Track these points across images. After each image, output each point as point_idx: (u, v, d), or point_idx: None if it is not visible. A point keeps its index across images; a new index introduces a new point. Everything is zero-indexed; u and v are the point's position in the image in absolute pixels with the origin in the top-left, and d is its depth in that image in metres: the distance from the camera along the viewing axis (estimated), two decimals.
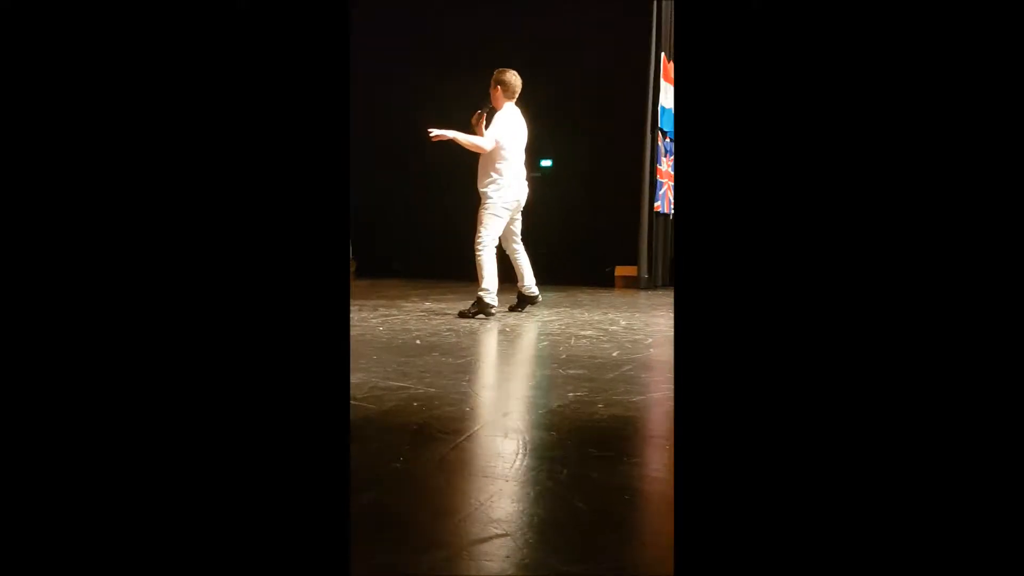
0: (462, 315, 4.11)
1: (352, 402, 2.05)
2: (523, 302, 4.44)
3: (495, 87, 4.26)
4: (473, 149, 4.22)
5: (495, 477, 1.48)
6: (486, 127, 4.19)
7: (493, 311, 4.12)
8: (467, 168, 7.00)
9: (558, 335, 3.53)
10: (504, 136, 4.15)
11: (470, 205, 6.99)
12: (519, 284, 4.43)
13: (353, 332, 3.46)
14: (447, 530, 1.20)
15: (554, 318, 4.16)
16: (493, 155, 4.17)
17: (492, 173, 4.20)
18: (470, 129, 4.22)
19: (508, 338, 3.43)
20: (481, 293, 4.10)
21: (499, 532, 1.17)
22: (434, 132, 4.15)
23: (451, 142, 4.21)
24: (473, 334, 3.49)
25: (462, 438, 1.72)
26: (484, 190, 4.25)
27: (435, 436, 1.74)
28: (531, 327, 3.84)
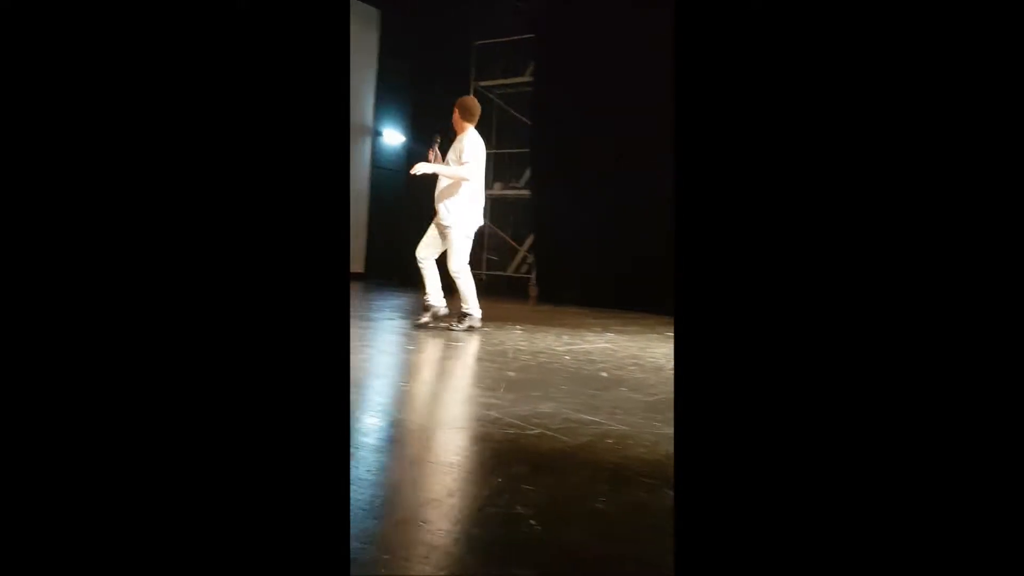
0: (437, 324, 4.47)
1: (547, 432, 2.07)
2: (428, 311, 4.51)
3: (456, 111, 4.48)
4: (457, 179, 4.36)
5: None
6: (443, 154, 4.44)
7: (478, 325, 4.49)
8: (646, 195, 6.89)
9: None
10: (475, 157, 4.37)
11: (654, 234, 6.88)
12: (424, 295, 4.51)
13: (540, 359, 3.52)
14: None
15: None
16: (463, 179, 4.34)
17: (459, 200, 4.38)
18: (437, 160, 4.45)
19: None
20: (466, 312, 4.47)
21: None
22: (418, 170, 4.40)
23: (432, 175, 4.43)
24: (659, 370, 3.41)
25: (661, 484, 1.67)
26: (453, 217, 4.39)
27: (633, 479, 1.71)
28: None
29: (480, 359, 3.40)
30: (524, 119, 9.28)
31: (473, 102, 4.59)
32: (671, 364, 3.64)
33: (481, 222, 4.58)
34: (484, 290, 9.47)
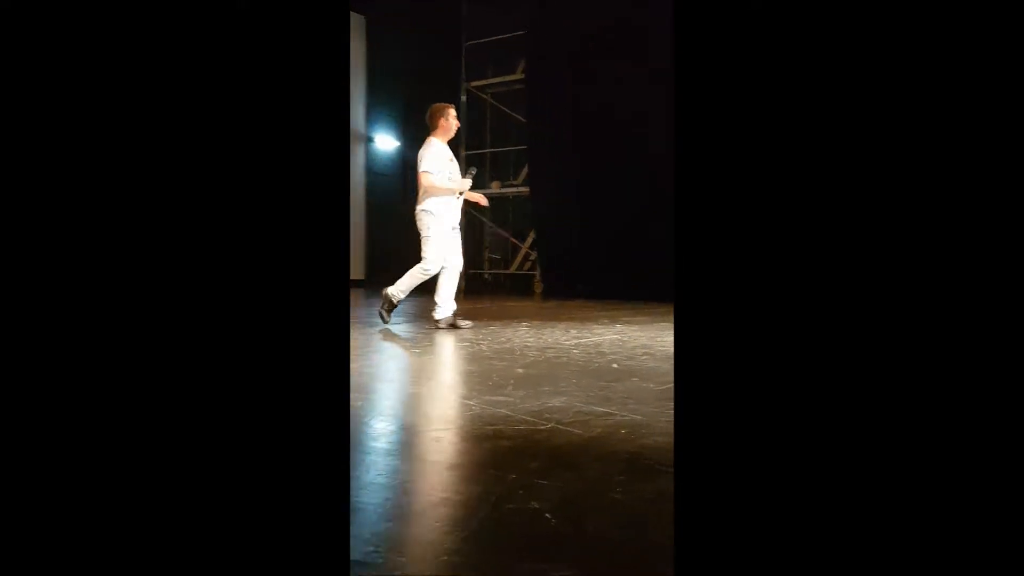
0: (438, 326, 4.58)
1: (559, 427, 2.04)
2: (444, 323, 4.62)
3: None
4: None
5: None
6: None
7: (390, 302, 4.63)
8: (646, 184, 6.88)
9: None
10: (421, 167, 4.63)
11: (657, 222, 6.83)
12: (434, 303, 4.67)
13: (549, 355, 3.49)
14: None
15: None
16: None
17: None
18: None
19: None
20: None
21: None
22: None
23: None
24: (671, 358, 3.38)
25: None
26: None
27: (649, 467, 1.68)
28: None
29: (488, 358, 3.37)
30: (519, 117, 9.24)
31: (432, 109, 4.66)
32: None
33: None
34: (489, 289, 9.44)
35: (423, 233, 4.53)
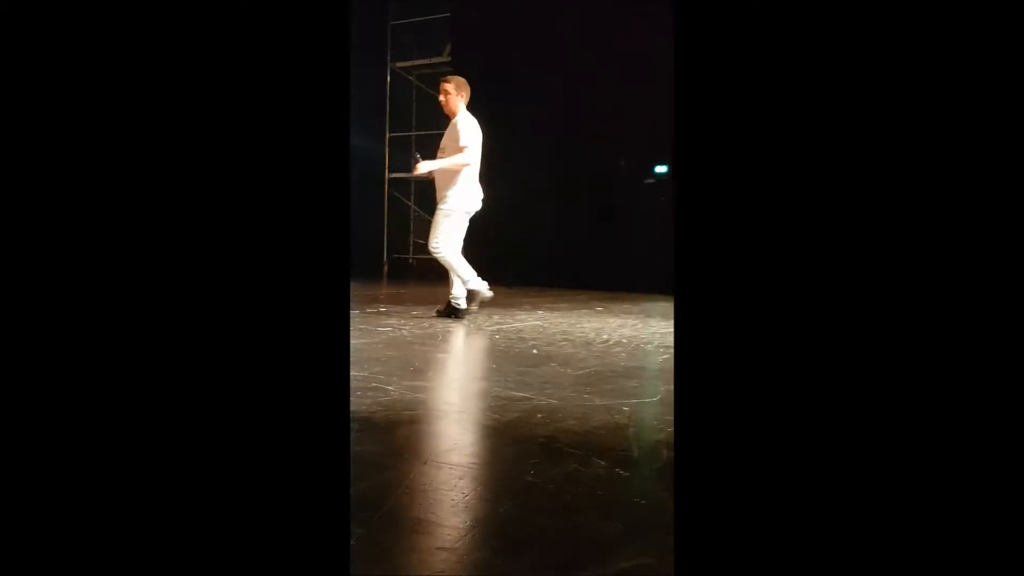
0: (440, 314, 4.32)
1: (477, 411, 2.06)
2: (449, 311, 4.39)
3: (448, 93, 4.37)
4: (458, 168, 4.28)
5: (632, 496, 1.43)
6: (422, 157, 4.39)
7: (486, 296, 4.33)
8: (567, 176, 6.95)
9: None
10: (474, 140, 4.24)
11: (576, 213, 6.91)
12: (449, 291, 4.42)
13: (471, 340, 3.50)
14: (588, 552, 1.17)
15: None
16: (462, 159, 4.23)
17: (456, 178, 4.26)
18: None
19: (627, 350, 3.37)
20: (466, 287, 4.30)
21: (646, 561, 1.13)
22: (419, 171, 4.35)
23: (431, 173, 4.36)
24: (589, 344, 3.45)
25: (590, 454, 1.69)
26: (446, 193, 4.29)
27: (562, 451, 1.72)
28: (655, 339, 3.76)
29: (409, 343, 3.36)
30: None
31: (463, 80, 4.45)
32: (600, 338, 3.69)
33: (479, 204, 4.41)
34: (414, 274, 9.39)
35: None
